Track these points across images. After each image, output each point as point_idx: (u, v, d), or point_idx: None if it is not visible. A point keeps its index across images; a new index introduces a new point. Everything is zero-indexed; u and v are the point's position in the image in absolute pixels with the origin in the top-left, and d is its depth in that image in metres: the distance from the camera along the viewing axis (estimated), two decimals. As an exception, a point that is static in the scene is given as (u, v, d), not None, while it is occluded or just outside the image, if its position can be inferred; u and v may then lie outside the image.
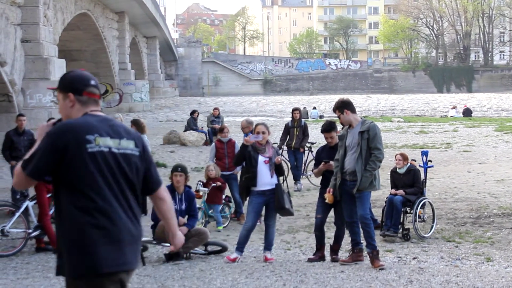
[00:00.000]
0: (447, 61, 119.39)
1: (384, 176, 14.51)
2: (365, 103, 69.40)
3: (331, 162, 10.25)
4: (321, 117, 54.18)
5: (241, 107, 70.12)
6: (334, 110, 10.15)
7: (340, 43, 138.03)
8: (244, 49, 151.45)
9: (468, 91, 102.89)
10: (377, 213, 13.29)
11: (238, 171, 14.03)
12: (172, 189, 10.86)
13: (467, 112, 55.07)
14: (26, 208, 11.80)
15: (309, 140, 19.33)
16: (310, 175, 18.99)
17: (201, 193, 13.26)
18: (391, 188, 13.05)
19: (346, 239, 10.64)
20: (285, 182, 10.92)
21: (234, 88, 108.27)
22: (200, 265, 10.10)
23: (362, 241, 10.08)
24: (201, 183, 13.50)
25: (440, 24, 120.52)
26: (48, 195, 11.84)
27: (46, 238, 11.74)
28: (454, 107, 59.22)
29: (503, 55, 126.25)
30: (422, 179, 12.92)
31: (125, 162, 4.40)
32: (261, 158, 10.44)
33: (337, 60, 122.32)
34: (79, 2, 36.53)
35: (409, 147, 28.90)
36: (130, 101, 54.51)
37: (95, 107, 4.48)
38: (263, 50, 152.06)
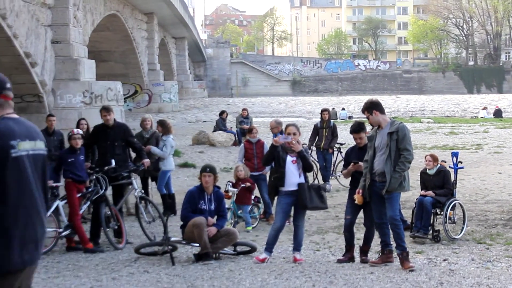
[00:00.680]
0: (477, 62, 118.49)
1: (414, 177, 14.43)
2: (394, 104, 69.12)
3: (360, 163, 10.21)
4: (350, 118, 54.04)
5: (269, 108, 70.13)
6: (363, 111, 10.11)
7: (369, 44, 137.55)
8: (273, 50, 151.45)
9: (499, 92, 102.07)
10: (407, 214, 13.21)
11: (267, 172, 14.04)
12: (201, 189, 10.88)
13: (498, 113, 54.61)
14: (57, 208, 11.89)
15: (338, 141, 19.28)
16: (339, 176, 18.94)
17: (230, 194, 13.28)
18: (421, 189, 12.98)
19: (376, 240, 10.59)
20: (316, 180, 10.89)
21: (262, 89, 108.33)
22: (229, 265, 10.10)
23: (392, 243, 10.02)
24: (231, 184, 13.51)
25: (470, 25, 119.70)
26: (78, 195, 11.94)
27: (76, 238, 11.82)
28: (484, 108, 58.77)
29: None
30: (452, 181, 12.82)
31: (40, 162, 4.60)
32: (289, 158, 10.41)
33: (366, 61, 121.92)
34: (108, 3, 36.73)
35: (439, 148, 28.71)
36: (159, 102, 54.67)
37: (10, 110, 4.57)
38: (292, 50, 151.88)
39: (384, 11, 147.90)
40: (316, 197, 10.36)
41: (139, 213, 12.60)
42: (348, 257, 10.44)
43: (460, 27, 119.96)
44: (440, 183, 12.68)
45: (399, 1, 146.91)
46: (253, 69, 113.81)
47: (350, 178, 10.77)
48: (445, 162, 13.35)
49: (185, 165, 23.58)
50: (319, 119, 19.11)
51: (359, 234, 11.22)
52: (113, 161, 12.29)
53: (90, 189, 12.07)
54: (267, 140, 15.85)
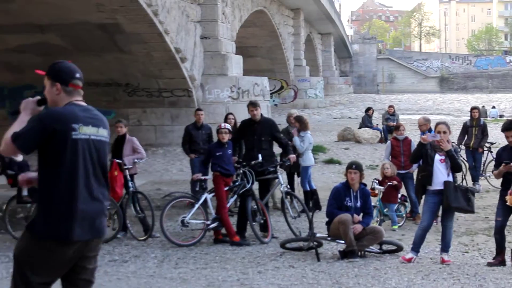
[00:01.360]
0: None
1: None
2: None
3: (512, 164, 9.85)
4: (501, 116, 52.27)
5: (416, 105, 69.03)
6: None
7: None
8: (420, 46, 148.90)
9: None
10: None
11: (414, 170, 13.79)
12: (347, 186, 10.81)
13: None
14: (205, 200, 12.13)
15: (488, 140, 18.70)
16: (489, 176, 18.36)
17: (376, 191, 13.12)
18: None
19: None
20: (464, 180, 10.59)
21: (409, 86, 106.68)
22: (375, 264, 9.98)
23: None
24: (377, 181, 13.35)
25: None
26: (226, 188, 12.13)
27: (223, 230, 12.02)
28: None
29: None
30: None
31: (100, 147, 5.06)
32: (437, 157, 10.17)
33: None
34: (256, -1, 37.21)
35: None
36: (304, 98, 54.89)
37: (79, 97, 5.07)
38: (440, 47, 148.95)
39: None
40: (462, 198, 10.07)
41: (285, 208, 12.67)
42: (499, 260, 10.09)
43: None
44: None
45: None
46: (399, 65, 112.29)
47: (501, 179, 10.39)
48: None
49: (330, 161, 23.54)
50: (469, 118, 18.59)
51: (510, 237, 10.84)
52: (260, 155, 12.39)
53: (237, 183, 12.24)
54: (414, 137, 15.58)
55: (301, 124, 15.37)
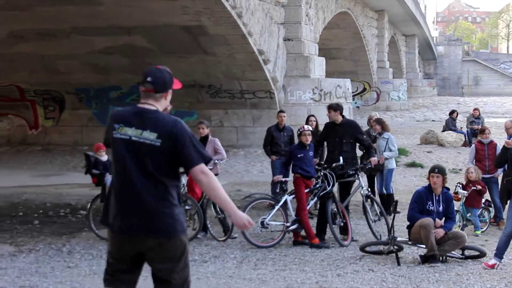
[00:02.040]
0: None
1: None
2: None
3: None
4: None
5: (502, 108, 67.34)
6: None
7: None
8: (507, 48, 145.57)
9: None
10: None
11: (499, 174, 13.51)
12: (429, 190, 10.67)
13: None
14: (285, 202, 12.15)
15: None
16: None
17: (459, 196, 12.91)
18: None
19: None
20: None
21: (495, 88, 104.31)
22: (457, 269, 9.83)
23: None
24: (460, 186, 13.13)
25: None
26: (306, 190, 12.11)
27: (303, 232, 12.02)
28: None
29: None
30: None
31: (143, 149, 5.08)
32: (523, 162, 9.96)
33: None
34: (340, 0, 37.08)
35: None
36: (387, 100, 54.35)
37: (146, 100, 5.23)
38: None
39: None
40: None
41: (366, 211, 12.59)
42: None
43: None
44: None
45: None
46: (485, 67, 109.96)
47: None
48: None
49: (412, 164, 23.26)
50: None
51: None
52: (341, 158, 12.34)
53: (317, 185, 12.22)
54: (500, 141, 15.26)
55: (382, 126, 15.26)
